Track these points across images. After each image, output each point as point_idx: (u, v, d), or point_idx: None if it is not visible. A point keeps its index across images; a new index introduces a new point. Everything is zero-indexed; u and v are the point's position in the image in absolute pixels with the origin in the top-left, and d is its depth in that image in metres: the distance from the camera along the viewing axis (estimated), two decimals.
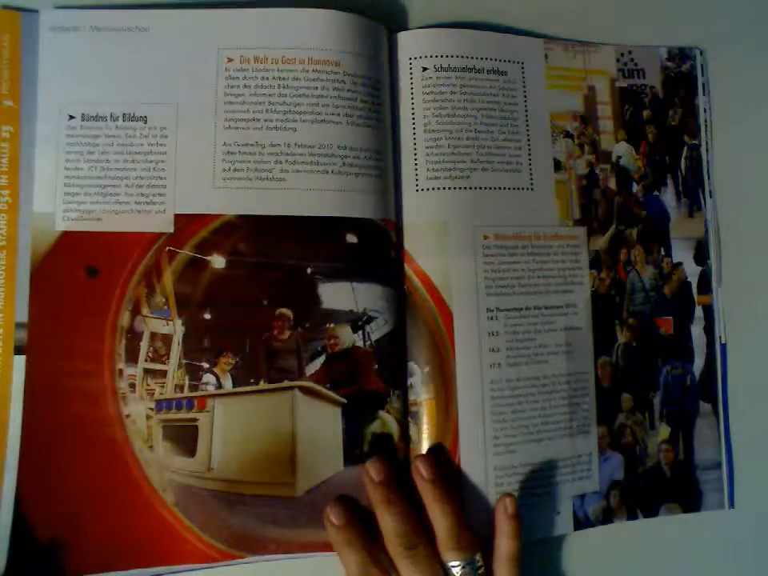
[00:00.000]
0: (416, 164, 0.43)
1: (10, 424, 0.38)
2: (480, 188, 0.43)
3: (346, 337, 0.40)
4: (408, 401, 0.41)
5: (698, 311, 0.47)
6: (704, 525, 0.44)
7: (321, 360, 0.40)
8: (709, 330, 0.47)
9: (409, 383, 0.41)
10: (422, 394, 0.41)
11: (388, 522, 0.37)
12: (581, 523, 0.43)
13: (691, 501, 0.44)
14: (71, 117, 0.40)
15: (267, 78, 0.41)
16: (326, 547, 0.38)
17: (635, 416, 0.45)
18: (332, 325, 0.40)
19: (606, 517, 0.44)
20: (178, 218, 0.40)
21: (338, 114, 0.41)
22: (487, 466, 0.41)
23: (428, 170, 0.42)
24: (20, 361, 0.39)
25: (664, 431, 0.46)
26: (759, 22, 0.49)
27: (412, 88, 0.43)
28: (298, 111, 0.41)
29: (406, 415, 0.41)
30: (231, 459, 0.39)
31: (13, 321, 0.39)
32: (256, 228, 0.40)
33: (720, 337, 0.47)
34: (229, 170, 0.40)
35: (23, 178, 0.40)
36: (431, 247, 0.42)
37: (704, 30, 0.48)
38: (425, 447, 0.40)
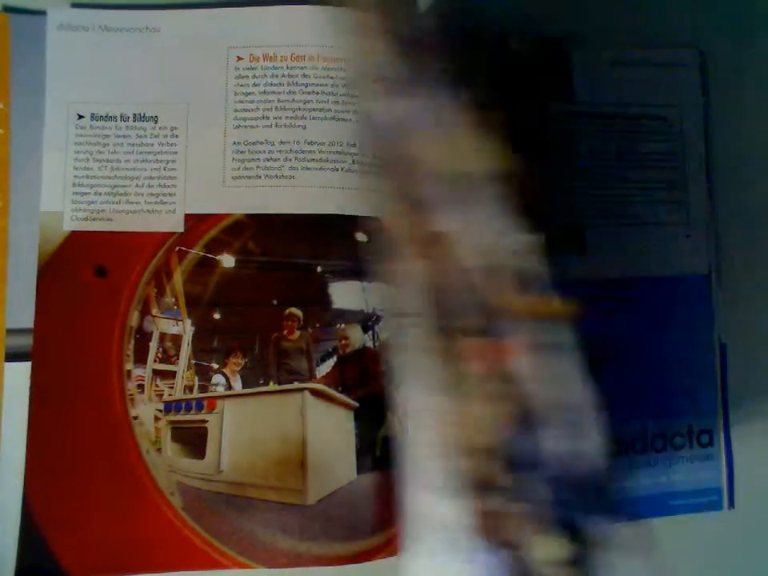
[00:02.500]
0: None
1: (4, 430, 0.37)
2: None
3: (357, 337, 0.40)
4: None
5: None
6: (702, 526, 0.44)
7: (332, 362, 0.40)
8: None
9: None
10: None
11: None
12: None
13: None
14: (80, 116, 0.40)
15: (276, 76, 0.41)
16: (340, 561, 0.38)
17: None
18: (343, 325, 0.40)
19: None
20: (188, 217, 0.40)
21: (348, 111, 0.41)
22: None
23: None
24: (12, 368, 0.38)
25: None
26: (759, 22, 0.49)
27: None
28: (308, 108, 0.40)
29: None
30: (241, 462, 0.38)
31: (3, 327, 0.38)
32: (266, 227, 0.40)
33: (720, 337, 0.46)
34: (239, 168, 0.40)
35: (20, 180, 0.39)
36: None
37: (704, 30, 0.48)
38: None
